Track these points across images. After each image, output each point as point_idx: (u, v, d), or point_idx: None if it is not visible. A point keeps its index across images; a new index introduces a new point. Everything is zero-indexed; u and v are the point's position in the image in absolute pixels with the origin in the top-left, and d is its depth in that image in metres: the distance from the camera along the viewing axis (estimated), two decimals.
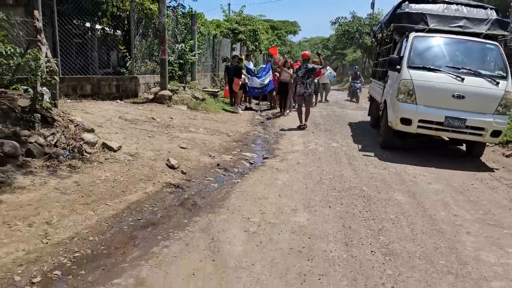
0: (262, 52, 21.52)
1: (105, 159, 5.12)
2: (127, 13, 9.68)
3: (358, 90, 18.03)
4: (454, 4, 7.84)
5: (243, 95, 12.95)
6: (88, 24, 12.50)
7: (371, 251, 3.29)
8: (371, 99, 10.80)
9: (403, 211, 4.32)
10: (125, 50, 10.03)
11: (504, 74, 6.76)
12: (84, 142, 5.24)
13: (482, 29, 7.45)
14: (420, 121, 6.71)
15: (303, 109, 9.73)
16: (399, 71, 7.00)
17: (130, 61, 9.84)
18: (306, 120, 9.81)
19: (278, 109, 12.82)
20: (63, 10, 9.31)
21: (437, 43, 7.29)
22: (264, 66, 13.83)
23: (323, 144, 7.89)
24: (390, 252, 3.31)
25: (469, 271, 3.08)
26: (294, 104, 11.68)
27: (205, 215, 3.97)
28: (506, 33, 7.61)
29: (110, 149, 5.42)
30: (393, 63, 7.14)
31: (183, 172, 5.31)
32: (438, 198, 4.86)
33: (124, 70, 9.99)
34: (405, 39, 7.50)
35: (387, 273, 2.98)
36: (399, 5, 8.25)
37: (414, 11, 7.71)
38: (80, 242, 3.26)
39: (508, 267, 3.18)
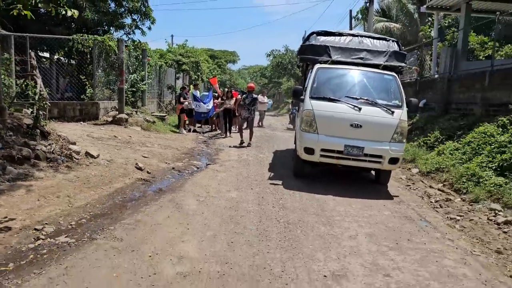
0: (204, 81, 23.78)
1: (90, 163, 6.97)
2: (90, 49, 11.50)
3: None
4: (359, 37, 8.22)
5: (189, 119, 15.04)
6: (47, 55, 14.07)
7: (272, 206, 5.55)
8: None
9: (297, 190, 6.66)
10: (85, 79, 11.77)
11: (400, 104, 7.00)
12: (73, 151, 7.06)
13: (381, 60, 7.70)
14: (322, 150, 6.80)
15: (246, 130, 11.99)
16: (303, 101, 7.23)
17: (89, 88, 11.59)
18: (250, 139, 11.98)
19: (218, 131, 15.02)
20: (32, 44, 10.94)
21: (339, 74, 7.50)
22: (207, 93, 16.04)
23: (253, 155, 10.18)
24: (283, 207, 5.58)
25: (325, 212, 5.42)
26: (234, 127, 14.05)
27: (170, 194, 6.01)
28: (402, 64, 7.95)
29: (92, 156, 7.26)
30: (297, 93, 7.38)
31: (148, 172, 7.29)
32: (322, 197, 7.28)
33: (85, 97, 11.68)
34: (310, 70, 7.82)
35: (280, 214, 5.24)
36: (308, 38, 8.66)
37: (318, 44, 7.97)
38: (91, 207, 5.16)
39: (349, 211, 5.57)
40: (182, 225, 4.66)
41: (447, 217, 5.99)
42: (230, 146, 11.70)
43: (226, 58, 53.37)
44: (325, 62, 7.63)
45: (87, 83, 11.62)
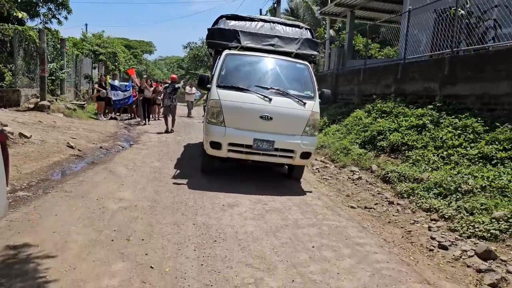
0: (121, 71, 24.24)
1: (25, 142, 7.90)
2: (10, 38, 11.90)
3: None
4: (271, 23, 7.73)
5: (108, 107, 15.83)
6: None
7: (170, 161, 7.15)
8: None
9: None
10: (4, 67, 12.13)
11: (312, 94, 6.64)
12: (7, 132, 7.90)
13: (293, 48, 7.28)
14: (229, 144, 6.26)
15: (170, 118, 13.10)
16: (209, 90, 6.65)
17: (8, 76, 12.01)
18: (172, 126, 13.04)
19: (138, 119, 16.02)
20: None
21: (248, 61, 6.96)
22: (127, 83, 16.91)
23: (172, 138, 11.60)
24: (171, 159, 7.21)
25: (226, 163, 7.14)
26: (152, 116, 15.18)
27: (102, 165, 7.28)
28: (315, 52, 7.58)
29: (25, 136, 8.16)
30: (202, 81, 6.67)
31: (79, 150, 8.39)
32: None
33: (3, 84, 12.05)
34: (218, 57, 7.18)
35: (173, 163, 6.87)
36: (216, 21, 8.04)
37: (227, 28, 7.38)
38: (37, 174, 6.28)
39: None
40: (117, 183, 6.04)
41: (321, 177, 8.10)
42: (150, 132, 12.94)
43: (142, 48, 52.90)
44: (235, 48, 7.08)
45: (5, 70, 12.00)
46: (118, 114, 17.57)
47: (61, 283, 2.97)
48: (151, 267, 3.36)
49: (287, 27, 7.82)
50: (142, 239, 3.93)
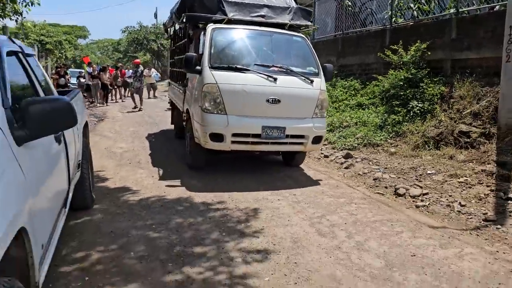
0: (68, 58, 25.44)
1: None
2: None
3: None
4: None
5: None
6: None
7: (142, 127, 9.74)
8: (172, 105, 9.11)
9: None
10: None
11: (316, 71, 5.96)
12: None
13: (285, 19, 6.49)
14: (234, 135, 5.39)
15: (137, 97, 15.07)
16: (199, 72, 5.58)
17: None
18: (141, 104, 14.95)
19: (101, 102, 17.87)
20: None
21: (240, 36, 6.09)
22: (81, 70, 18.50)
23: (137, 114, 13.93)
24: (142, 126, 9.79)
25: None
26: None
27: (90, 132, 9.63)
28: (309, 23, 6.91)
29: None
30: (191, 63, 5.56)
31: None
32: None
33: None
34: (202, 33, 6.11)
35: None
36: None
37: None
38: None
39: None
40: (111, 140, 8.52)
41: None
42: (113, 111, 15.09)
43: (76, 33, 52.38)
44: (220, 22, 6.12)
45: None
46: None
47: (115, 178, 5.59)
48: (158, 171, 6.06)
49: None
50: (147, 162, 6.59)
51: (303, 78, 5.76)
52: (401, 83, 7.92)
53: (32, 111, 2.09)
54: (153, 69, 20.64)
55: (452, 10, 7.98)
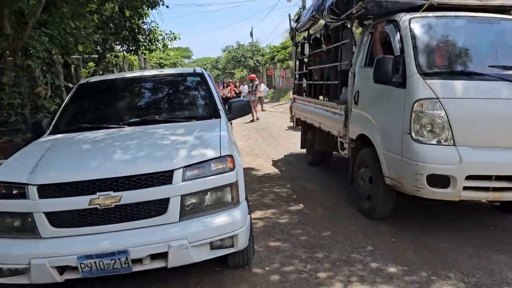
0: None
1: None
2: (118, 64, 16.97)
3: None
4: None
5: None
6: None
7: (262, 135, 11.91)
8: (304, 126, 7.69)
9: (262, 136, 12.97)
10: None
11: None
12: None
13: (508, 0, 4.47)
14: (469, 177, 3.55)
15: (253, 109, 16.52)
16: (401, 83, 3.89)
17: None
18: (254, 116, 15.95)
19: None
20: None
21: (454, 26, 4.25)
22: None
23: (257, 123, 16.39)
24: (270, 135, 11.88)
25: None
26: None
27: None
28: None
29: None
30: (387, 70, 3.90)
31: None
32: None
33: None
34: (389, 29, 4.40)
35: (264, 134, 11.58)
36: None
37: None
38: None
39: None
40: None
41: None
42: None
43: (181, 54, 58.50)
44: (418, 9, 4.26)
45: None
46: None
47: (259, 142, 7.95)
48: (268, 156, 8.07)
49: None
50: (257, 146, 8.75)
51: None
52: None
53: (234, 105, 4.17)
54: (262, 84, 21.29)
55: None
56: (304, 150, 7.80)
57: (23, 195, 2.65)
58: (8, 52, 6.01)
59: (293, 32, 8.34)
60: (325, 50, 6.43)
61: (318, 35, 7.44)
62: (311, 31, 7.59)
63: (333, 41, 6.08)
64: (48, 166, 2.87)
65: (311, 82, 7.28)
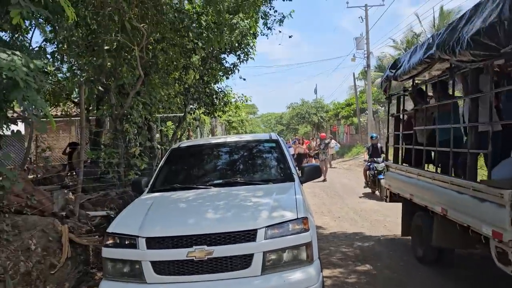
0: (246, 133, 30.83)
1: None
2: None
3: (381, 175, 10.26)
4: None
5: None
6: None
7: (327, 193, 12.07)
8: (406, 206, 5.97)
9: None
10: None
11: None
12: None
13: None
14: None
15: (323, 168, 15.06)
16: None
17: None
18: (325, 175, 15.11)
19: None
20: None
21: None
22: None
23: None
24: (334, 192, 12.02)
25: None
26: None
27: None
28: None
29: None
30: None
31: None
32: None
33: None
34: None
35: (329, 192, 11.73)
36: None
37: None
38: None
39: None
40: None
41: None
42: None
43: (247, 111, 61.09)
44: None
45: None
46: None
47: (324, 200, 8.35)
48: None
49: None
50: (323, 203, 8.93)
51: None
52: None
53: (306, 169, 4.59)
54: (333, 140, 20.64)
55: None
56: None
57: (134, 245, 3.16)
58: (110, 117, 7.06)
59: (388, 81, 6.51)
60: (439, 105, 5.00)
61: (423, 86, 5.99)
62: (416, 80, 5.70)
63: (467, 90, 4.52)
64: (153, 221, 3.39)
65: (421, 147, 5.38)
